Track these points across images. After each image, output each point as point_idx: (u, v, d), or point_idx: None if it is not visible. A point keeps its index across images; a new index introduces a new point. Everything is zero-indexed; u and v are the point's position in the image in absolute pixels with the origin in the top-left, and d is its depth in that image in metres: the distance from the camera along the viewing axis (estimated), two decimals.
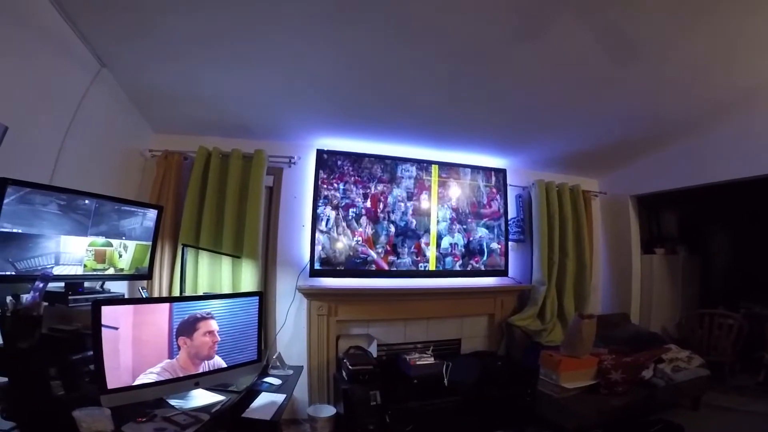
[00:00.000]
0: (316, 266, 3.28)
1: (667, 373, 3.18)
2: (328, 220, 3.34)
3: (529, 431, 3.02)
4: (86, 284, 2.17)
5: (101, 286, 2.33)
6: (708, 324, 4.15)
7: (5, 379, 1.42)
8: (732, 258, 5.18)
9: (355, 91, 2.77)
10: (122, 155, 2.87)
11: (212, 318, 2.04)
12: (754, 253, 4.80)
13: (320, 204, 3.32)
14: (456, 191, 3.79)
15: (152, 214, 2.50)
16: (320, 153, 3.37)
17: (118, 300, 2.08)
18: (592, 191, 4.47)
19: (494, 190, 3.94)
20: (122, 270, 2.34)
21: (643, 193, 4.34)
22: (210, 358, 2.00)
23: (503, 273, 3.93)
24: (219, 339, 2.04)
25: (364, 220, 3.45)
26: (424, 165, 3.69)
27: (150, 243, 2.50)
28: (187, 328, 1.95)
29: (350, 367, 2.87)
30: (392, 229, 3.52)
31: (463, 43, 2.27)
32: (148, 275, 2.56)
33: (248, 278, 3.07)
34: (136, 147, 3.04)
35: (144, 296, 2.53)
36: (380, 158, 3.55)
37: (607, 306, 4.46)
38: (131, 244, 2.38)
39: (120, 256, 2.33)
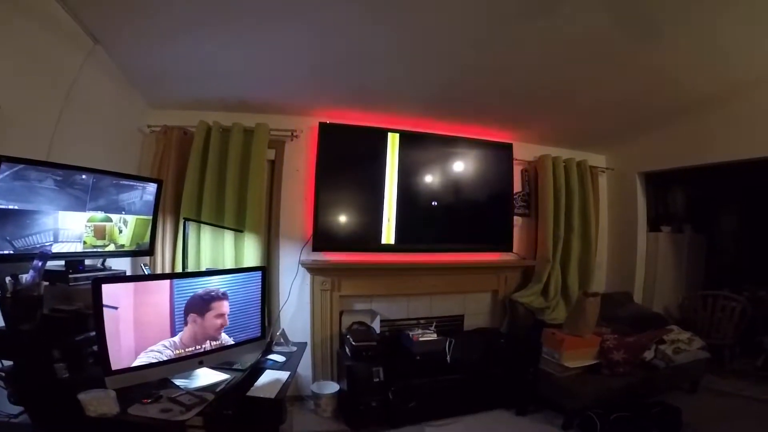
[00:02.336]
0: (319, 240, 3.24)
1: (668, 354, 3.16)
2: (329, 193, 3.28)
3: (530, 410, 3.06)
4: (87, 262, 2.13)
5: (102, 264, 2.30)
6: (711, 306, 4.10)
7: (9, 363, 1.40)
8: (738, 239, 5.11)
9: (359, 64, 2.67)
10: (120, 131, 2.84)
11: (227, 299, 2.01)
12: (761, 235, 4.73)
13: (323, 177, 3.25)
14: (461, 165, 3.70)
15: (152, 188, 2.46)
16: (322, 126, 3.28)
17: (119, 277, 2.05)
18: (600, 167, 4.38)
19: (500, 164, 3.85)
20: (123, 246, 2.31)
21: (651, 170, 4.26)
22: (215, 339, 1.98)
23: (508, 248, 3.89)
24: (228, 323, 2.02)
25: (365, 192, 3.40)
26: (429, 138, 3.59)
27: (150, 217, 2.47)
28: (201, 305, 1.93)
29: (353, 343, 2.88)
30: (394, 201, 3.45)
31: (475, 14, 2.16)
32: (149, 251, 2.53)
33: (251, 253, 3.05)
34: (133, 123, 3.00)
35: (146, 273, 2.50)
36: (383, 131, 3.45)
37: (610, 284, 4.44)
38: (131, 219, 2.34)
39: (120, 231, 2.29)
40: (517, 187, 4.03)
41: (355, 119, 3.39)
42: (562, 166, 4.01)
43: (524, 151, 4.05)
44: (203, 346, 1.95)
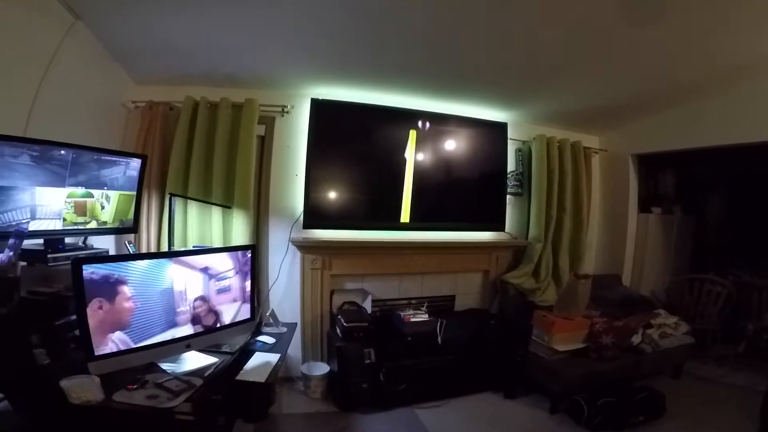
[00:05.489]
0: (310, 217, 3.17)
1: (655, 339, 3.20)
2: (321, 169, 3.20)
3: (518, 394, 3.09)
4: (68, 240, 2.05)
5: (84, 242, 2.21)
6: (698, 290, 4.15)
7: None
8: (725, 222, 5.16)
9: (352, 38, 2.56)
10: (102, 107, 2.75)
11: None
12: (748, 220, 4.78)
13: (314, 153, 3.16)
14: (455, 143, 3.63)
15: (136, 163, 2.39)
16: (315, 102, 3.16)
17: (101, 257, 1.96)
18: (593, 148, 4.35)
19: (494, 143, 3.79)
20: (105, 223, 2.24)
21: (644, 152, 4.26)
22: (123, 328, 1.67)
23: (500, 228, 3.88)
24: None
25: (358, 169, 3.33)
26: (422, 116, 3.49)
27: (134, 193, 2.39)
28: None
29: (345, 324, 2.86)
30: (385, 179, 3.39)
31: None
32: (133, 228, 2.46)
33: (240, 230, 2.98)
34: (117, 98, 2.90)
35: (131, 251, 2.41)
36: (377, 109, 3.35)
37: (599, 266, 4.48)
38: (114, 195, 2.27)
39: (102, 207, 2.22)
40: (511, 166, 3.99)
41: (348, 96, 3.28)
42: (556, 147, 3.97)
43: (519, 131, 3.98)
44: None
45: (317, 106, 3.17)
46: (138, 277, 1.72)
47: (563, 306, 3.15)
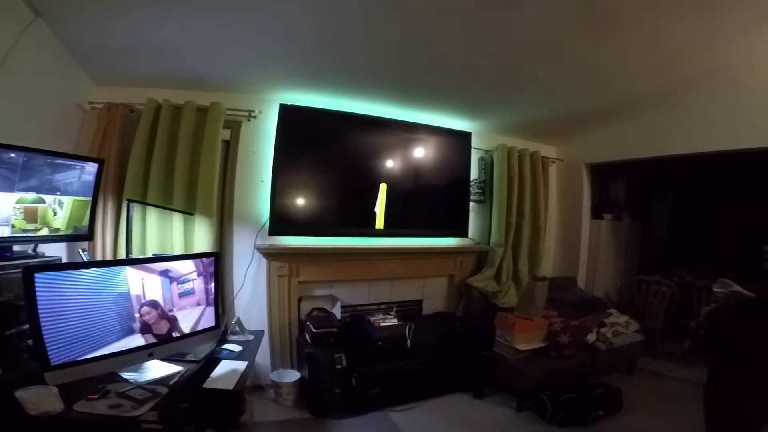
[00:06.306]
0: (276, 224, 3.13)
1: (608, 337, 3.38)
2: (288, 175, 3.17)
3: (486, 393, 3.17)
4: (16, 248, 1.93)
5: (34, 250, 2.09)
6: (645, 291, 4.44)
7: None
8: (670, 228, 5.56)
9: (320, 44, 2.56)
10: (58, 108, 2.61)
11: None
12: (690, 225, 5.17)
13: (282, 159, 3.13)
14: (420, 151, 3.71)
15: (92, 167, 2.29)
16: (284, 107, 3.14)
17: (53, 265, 1.86)
18: (550, 157, 4.57)
19: (458, 152, 3.91)
20: (58, 230, 2.13)
21: (596, 162, 4.50)
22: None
23: (464, 234, 3.99)
24: None
25: (325, 176, 3.33)
26: (391, 124, 3.55)
27: (90, 198, 2.28)
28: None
29: (314, 330, 2.84)
30: (353, 186, 3.41)
31: (439, 4, 2.15)
32: (88, 236, 2.34)
33: (202, 237, 2.90)
34: (73, 100, 2.75)
35: (85, 259, 2.29)
36: (348, 116, 3.37)
37: (557, 269, 4.68)
38: (67, 200, 2.16)
39: (54, 213, 2.10)
40: (474, 174, 4.12)
41: (317, 102, 3.28)
42: (516, 156, 4.13)
43: (482, 141, 4.13)
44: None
45: (286, 111, 3.15)
46: (91, 284, 1.64)
47: (523, 307, 3.27)
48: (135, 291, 1.80)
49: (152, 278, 1.89)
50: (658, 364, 3.87)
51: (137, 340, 1.78)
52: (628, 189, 5.21)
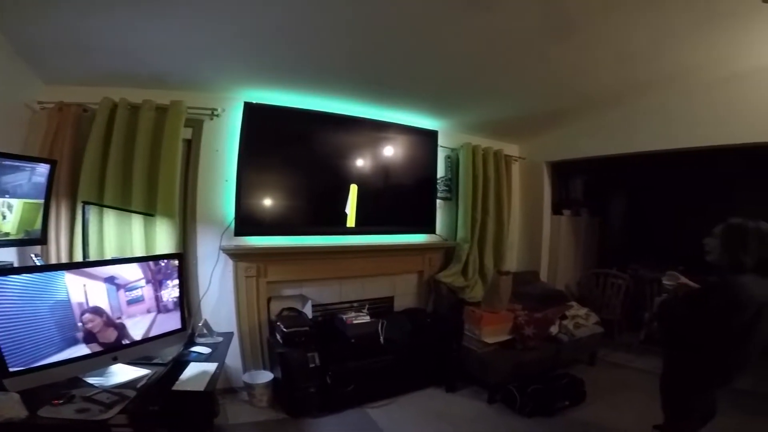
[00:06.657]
0: (241, 224, 3.08)
1: (570, 329, 3.53)
2: (253, 174, 3.13)
3: (458, 387, 3.23)
4: None
5: None
6: (602, 283, 4.64)
7: None
8: (626, 222, 5.85)
9: (280, 43, 2.53)
10: (3, 108, 2.43)
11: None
12: (644, 220, 5.46)
13: (246, 158, 3.08)
14: (388, 149, 3.75)
15: (43, 169, 2.17)
16: (248, 105, 3.09)
17: (4, 270, 1.75)
18: (514, 156, 4.72)
19: (426, 150, 3.97)
20: (8, 234, 2.01)
21: (556, 160, 4.68)
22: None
23: (432, 231, 4.06)
24: None
25: (292, 175, 3.30)
26: (359, 122, 3.57)
27: (42, 201, 2.16)
28: None
29: (284, 330, 2.80)
30: (321, 185, 3.40)
31: (410, 4, 2.17)
32: (41, 239, 2.21)
33: (164, 239, 2.80)
34: (20, 99, 2.58)
35: (37, 264, 2.16)
36: (315, 114, 3.35)
37: (520, 263, 4.84)
38: (17, 203, 2.05)
39: (4, 217, 1.98)
40: (441, 172, 4.20)
41: (284, 101, 3.25)
42: (480, 154, 4.25)
43: (448, 139, 4.21)
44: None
45: (251, 109, 3.10)
46: (23, 291, 1.52)
47: (489, 301, 3.37)
48: (76, 299, 1.69)
49: (96, 285, 1.78)
50: (618, 355, 4.07)
51: (81, 350, 1.65)
52: (585, 186, 5.44)
